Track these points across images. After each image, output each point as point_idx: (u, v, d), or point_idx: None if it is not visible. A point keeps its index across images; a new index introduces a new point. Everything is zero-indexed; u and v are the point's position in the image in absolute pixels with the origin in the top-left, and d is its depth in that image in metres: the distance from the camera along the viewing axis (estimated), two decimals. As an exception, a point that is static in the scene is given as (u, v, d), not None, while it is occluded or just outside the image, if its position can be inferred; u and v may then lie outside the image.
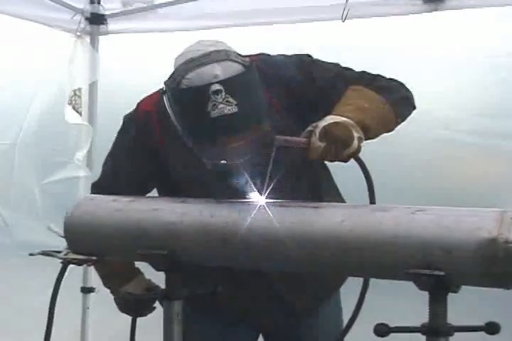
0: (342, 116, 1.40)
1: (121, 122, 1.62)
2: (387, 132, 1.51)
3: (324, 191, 1.63)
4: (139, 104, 1.61)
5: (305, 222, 1.32)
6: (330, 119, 1.39)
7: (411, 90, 1.55)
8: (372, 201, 1.41)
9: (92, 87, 2.70)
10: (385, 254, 1.24)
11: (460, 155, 2.34)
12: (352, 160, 1.39)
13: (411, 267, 1.20)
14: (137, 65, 2.66)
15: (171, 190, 1.58)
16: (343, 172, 1.62)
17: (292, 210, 1.35)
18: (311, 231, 1.30)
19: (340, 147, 1.36)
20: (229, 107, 1.35)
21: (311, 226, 1.31)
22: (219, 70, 1.37)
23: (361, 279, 1.42)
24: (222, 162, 1.45)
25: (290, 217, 1.33)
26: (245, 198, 1.41)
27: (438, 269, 1.18)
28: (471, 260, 1.16)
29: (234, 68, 1.38)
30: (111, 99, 2.68)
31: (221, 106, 1.35)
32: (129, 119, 1.61)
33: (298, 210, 1.35)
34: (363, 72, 1.56)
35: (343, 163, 1.40)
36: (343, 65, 1.59)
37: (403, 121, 1.53)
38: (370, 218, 1.28)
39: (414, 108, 1.56)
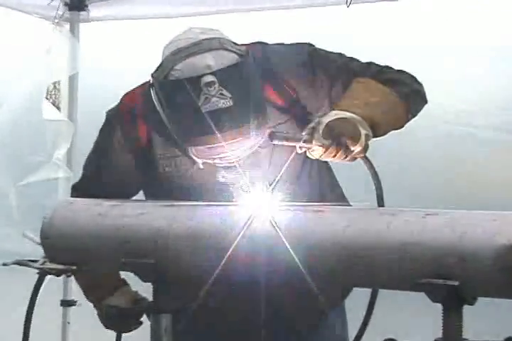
0: (347, 111, 1.40)
1: (103, 118, 1.62)
2: (396, 129, 1.52)
3: (327, 193, 1.63)
4: (123, 99, 1.61)
5: (306, 227, 1.33)
6: (334, 115, 1.39)
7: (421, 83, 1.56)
8: (380, 204, 1.42)
9: (72, 79, 2.70)
10: (394, 263, 1.24)
11: (476, 151, 2.34)
12: (357, 159, 1.40)
13: (422, 277, 1.21)
14: (122, 55, 2.66)
15: (159, 192, 1.58)
16: (347, 172, 1.64)
17: (292, 214, 1.36)
18: (313, 237, 1.31)
19: (346, 145, 1.37)
20: (223, 101, 1.36)
21: (313, 232, 1.32)
22: (211, 60, 1.37)
23: (368, 290, 1.43)
24: (216, 161, 1.45)
25: (289, 221, 1.35)
26: (241, 202, 1.41)
27: (452, 279, 1.18)
28: (488, 269, 1.16)
29: (228, 58, 1.38)
30: (93, 92, 2.67)
31: (214, 99, 1.35)
32: (112, 115, 1.61)
33: (298, 214, 1.36)
34: (371, 63, 1.57)
35: (348, 163, 1.41)
36: (348, 55, 1.59)
37: (414, 116, 1.54)
38: (377, 223, 1.28)
39: (425, 102, 1.56)
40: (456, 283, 1.18)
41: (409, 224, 1.25)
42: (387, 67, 1.56)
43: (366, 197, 1.44)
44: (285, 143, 1.37)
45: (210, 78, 1.35)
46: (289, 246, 1.31)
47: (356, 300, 1.61)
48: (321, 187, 1.63)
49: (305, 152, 1.39)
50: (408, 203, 1.38)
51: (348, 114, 1.39)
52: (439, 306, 1.22)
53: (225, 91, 1.36)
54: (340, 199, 1.67)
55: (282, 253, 1.32)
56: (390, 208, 1.34)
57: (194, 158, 1.47)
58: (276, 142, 1.36)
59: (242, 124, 1.39)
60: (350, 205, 1.67)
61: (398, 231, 1.25)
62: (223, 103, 1.36)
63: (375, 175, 1.40)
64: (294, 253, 1.31)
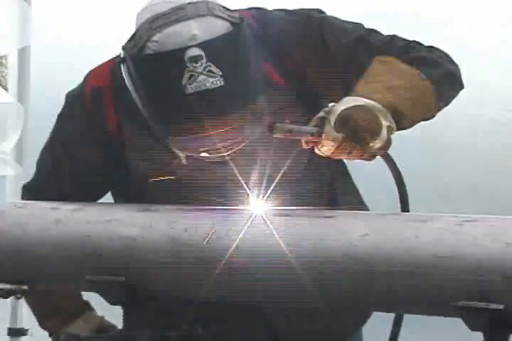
0: (365, 97, 1.40)
1: (62, 102, 1.62)
2: (425, 119, 1.52)
3: (340, 195, 1.64)
4: (86, 78, 1.60)
5: (314, 236, 1.33)
6: (349, 102, 1.39)
7: (457, 63, 1.56)
8: (405, 208, 1.42)
9: (23, 53, 2.69)
10: (423, 281, 1.25)
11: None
12: (377, 157, 1.40)
13: (458, 298, 1.22)
14: (84, 24, 2.65)
15: (132, 194, 1.58)
16: (364, 170, 1.64)
17: (297, 221, 1.37)
18: (323, 249, 1.31)
19: (364, 140, 1.37)
20: (212, 80, 1.36)
21: (322, 242, 1.32)
22: (197, 29, 1.37)
23: (391, 315, 1.44)
24: (203, 155, 1.45)
25: (294, 230, 1.35)
26: (233, 205, 1.41)
27: (495, 301, 1.19)
28: (540, 289, 1.20)
29: (218, 26, 1.38)
30: (49, 70, 2.66)
31: (201, 77, 1.35)
32: (73, 98, 1.61)
33: (305, 221, 1.36)
34: (394, 37, 1.56)
35: (365, 161, 1.41)
36: (368, 27, 1.59)
37: (447, 104, 1.54)
38: (402, 231, 1.29)
39: (461, 87, 1.56)
40: (501, 307, 1.19)
41: (442, 233, 1.26)
42: (414, 42, 1.56)
43: (388, 200, 1.44)
44: (288, 136, 1.37)
45: (195, 51, 1.35)
46: (292, 260, 1.31)
47: (376, 328, 1.62)
48: (332, 188, 1.64)
49: (312, 147, 1.40)
50: (439, 207, 1.38)
51: (366, 101, 1.39)
52: (479, 335, 1.23)
53: (214, 68, 1.36)
54: (357, 202, 1.68)
55: (284, 269, 1.33)
56: (418, 213, 1.35)
57: (175, 151, 1.47)
58: (277, 135, 1.36)
59: (236, 109, 1.39)
60: (368, 210, 1.68)
61: (428, 242, 1.25)
62: (212, 82, 1.36)
63: (398, 176, 1.41)
64: (299, 270, 1.31)
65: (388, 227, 1.31)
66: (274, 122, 1.36)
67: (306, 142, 1.38)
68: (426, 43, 1.56)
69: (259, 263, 1.34)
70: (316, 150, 1.40)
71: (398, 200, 1.44)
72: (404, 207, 1.43)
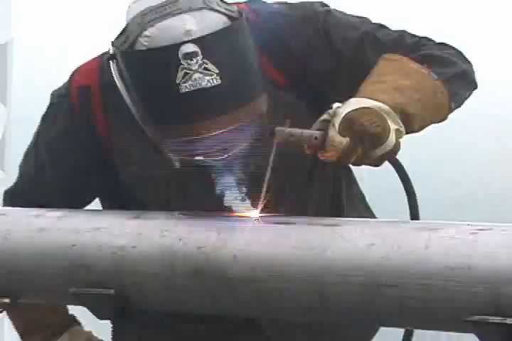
0: (372, 98, 1.40)
1: (48, 101, 1.62)
2: (437, 122, 1.51)
3: (345, 202, 1.64)
4: (73, 76, 1.60)
5: (317, 246, 1.32)
6: (355, 103, 1.39)
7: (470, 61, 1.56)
8: (415, 216, 1.42)
9: (5, 48, 2.69)
10: (434, 294, 1.24)
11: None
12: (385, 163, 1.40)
13: (472, 312, 1.21)
14: (71, 19, 2.64)
15: (121, 200, 1.58)
16: (371, 175, 1.65)
17: (298, 229, 1.36)
18: (326, 259, 1.31)
19: (371, 144, 1.36)
20: (208, 78, 1.35)
21: (325, 252, 1.31)
22: (193, 24, 1.36)
23: (400, 330, 1.43)
24: (198, 159, 1.45)
25: (295, 238, 1.35)
26: (230, 212, 1.42)
27: (512, 316, 1.21)
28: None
29: (215, 21, 1.38)
30: (33, 66, 2.66)
31: (196, 76, 1.35)
32: (59, 97, 1.61)
33: (307, 229, 1.36)
34: (404, 32, 1.56)
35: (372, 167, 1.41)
36: (374, 21, 1.59)
37: (459, 106, 1.54)
38: (412, 240, 1.29)
39: (475, 87, 1.56)
40: (519, 322, 1.20)
41: (455, 243, 1.26)
42: (425, 38, 1.56)
43: (395, 207, 1.44)
44: (290, 140, 1.37)
45: (190, 47, 1.35)
46: (293, 272, 1.31)
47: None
48: (336, 194, 1.64)
49: (315, 153, 1.39)
50: (451, 214, 1.37)
51: (373, 103, 1.39)
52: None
53: (210, 65, 1.35)
54: (363, 209, 1.68)
55: (284, 281, 1.32)
56: (429, 221, 1.34)
57: (168, 154, 1.46)
58: (278, 139, 1.36)
59: (233, 109, 1.39)
60: (375, 217, 1.68)
61: (440, 252, 1.25)
62: (208, 81, 1.35)
63: (407, 182, 1.40)
64: (301, 282, 1.31)
65: (396, 236, 1.30)
66: (274, 126, 1.37)
67: (309, 147, 1.38)
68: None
69: (258, 274, 1.34)
70: (320, 156, 1.39)
71: (407, 207, 1.44)
72: (414, 215, 1.43)
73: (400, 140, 1.39)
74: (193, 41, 1.35)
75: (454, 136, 2.34)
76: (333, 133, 1.36)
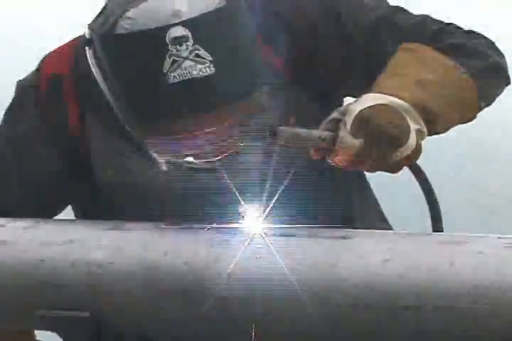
0: (390, 94, 1.40)
1: (13, 91, 1.61)
2: (463, 122, 1.51)
3: (357, 211, 1.64)
4: (42, 63, 1.60)
5: (323, 262, 1.32)
6: (370, 100, 1.39)
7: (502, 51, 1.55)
8: (437, 227, 1.42)
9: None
10: (460, 318, 1.24)
11: None
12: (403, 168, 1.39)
13: (504, 339, 1.22)
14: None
15: (97, 208, 1.58)
16: (386, 181, 1.63)
17: (302, 243, 1.36)
18: (334, 277, 1.31)
19: (388, 147, 1.36)
20: (200, 66, 1.35)
21: (333, 269, 1.31)
22: (182, 3, 1.36)
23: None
24: (188, 160, 1.44)
25: (298, 253, 1.34)
26: (225, 223, 1.40)
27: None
28: None
29: (207, 0, 1.37)
30: None
31: (187, 64, 1.35)
32: (25, 88, 1.60)
33: (311, 242, 1.36)
34: (426, 17, 1.56)
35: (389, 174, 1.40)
36: (393, 4, 1.58)
37: (490, 104, 1.53)
38: (434, 256, 1.29)
39: (508, 82, 1.55)
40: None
41: (484, 259, 1.26)
42: (451, 25, 1.55)
43: (416, 218, 1.44)
44: (295, 142, 1.36)
45: (179, 31, 1.34)
46: (297, 291, 1.30)
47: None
48: (347, 203, 1.64)
49: (324, 157, 1.39)
50: (480, 225, 1.38)
51: (390, 99, 1.38)
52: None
53: (202, 52, 1.35)
54: (378, 220, 1.67)
55: (287, 303, 1.32)
56: (453, 234, 1.34)
57: (153, 154, 1.46)
58: (281, 140, 1.36)
59: (229, 103, 1.38)
60: (391, 229, 1.67)
61: (467, 270, 1.26)
62: (200, 70, 1.35)
63: (428, 190, 1.40)
64: (307, 302, 1.30)
65: (416, 251, 1.30)
66: (277, 125, 1.36)
67: (317, 150, 1.38)
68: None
69: (256, 294, 1.33)
70: (329, 160, 1.39)
71: (428, 217, 1.44)
72: (436, 225, 1.42)
73: (422, 142, 1.38)
74: (183, 24, 1.34)
75: (483, 135, 2.34)
76: (345, 134, 1.36)
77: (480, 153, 2.36)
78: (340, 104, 1.60)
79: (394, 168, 1.38)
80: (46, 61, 1.59)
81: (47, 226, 1.49)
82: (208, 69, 1.35)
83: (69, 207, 1.66)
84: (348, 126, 1.36)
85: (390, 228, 1.67)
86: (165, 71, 1.34)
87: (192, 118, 1.36)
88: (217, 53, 1.35)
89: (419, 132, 1.38)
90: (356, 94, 1.45)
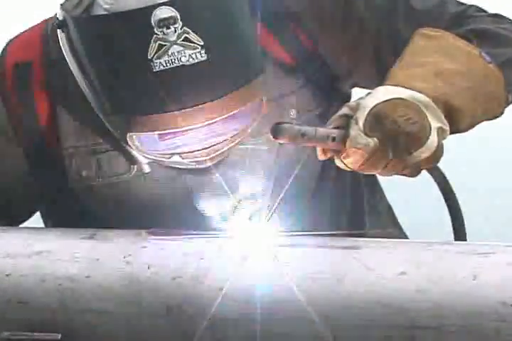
0: (407, 87, 1.40)
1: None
2: (490, 118, 1.51)
3: (368, 218, 1.64)
4: (6, 49, 1.60)
5: (331, 274, 1.32)
6: (384, 93, 1.39)
7: None
8: (459, 235, 1.43)
9: None
10: (486, 339, 1.24)
11: None
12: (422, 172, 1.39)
13: None
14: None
15: (71, 214, 1.58)
16: (402, 184, 1.64)
17: (306, 253, 1.36)
18: (342, 293, 1.30)
19: (405, 148, 1.36)
20: (190, 52, 1.35)
21: (341, 283, 1.31)
22: None
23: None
24: (174, 160, 1.44)
25: (301, 266, 1.34)
26: (217, 231, 1.41)
27: None
28: None
29: None
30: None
31: (175, 49, 1.35)
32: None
33: (317, 253, 1.36)
34: None
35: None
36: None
37: None
38: (456, 268, 1.28)
39: None
40: None
41: None
42: (474, 7, 1.56)
43: (434, 225, 1.44)
44: (300, 141, 1.36)
45: (166, 12, 1.35)
46: (299, 308, 1.30)
47: None
48: (357, 209, 1.64)
49: (332, 158, 1.39)
50: (506, 233, 1.38)
51: (408, 93, 1.38)
52: None
53: (192, 36, 1.35)
54: (391, 227, 1.68)
55: (288, 321, 1.32)
56: (478, 243, 1.34)
57: (135, 153, 1.46)
58: (283, 140, 1.35)
59: (222, 94, 1.38)
60: (407, 237, 1.68)
61: (493, 284, 1.25)
62: (190, 56, 1.35)
63: (450, 197, 1.41)
64: (308, 321, 1.29)
65: (435, 262, 1.30)
66: (279, 122, 1.35)
67: (324, 150, 1.37)
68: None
69: (252, 314, 1.33)
70: (338, 162, 1.39)
71: (450, 225, 1.45)
72: (458, 234, 1.43)
73: (444, 141, 1.38)
74: (170, 3, 1.34)
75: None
76: (356, 133, 1.35)
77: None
78: (348, 96, 1.60)
79: (412, 172, 1.38)
80: (10, 48, 1.59)
81: (13, 236, 1.49)
82: (198, 56, 1.35)
83: (37, 215, 1.66)
84: (361, 124, 1.36)
85: (404, 236, 1.69)
86: (150, 57, 1.35)
87: (180, 111, 1.36)
88: (209, 37, 1.35)
89: (440, 130, 1.38)
90: (365, 84, 1.45)
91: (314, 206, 1.55)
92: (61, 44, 1.42)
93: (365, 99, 1.38)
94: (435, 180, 1.42)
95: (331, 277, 1.31)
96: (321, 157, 1.39)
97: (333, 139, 1.37)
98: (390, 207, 1.73)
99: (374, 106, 1.36)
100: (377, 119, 1.35)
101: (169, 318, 1.35)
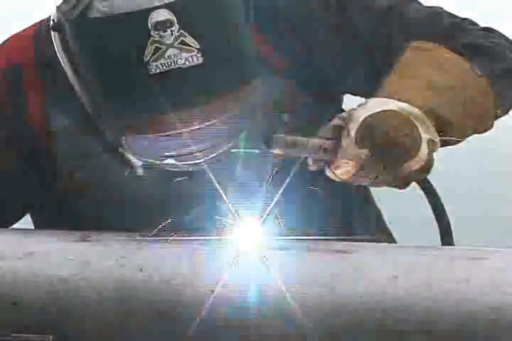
0: (399, 99, 1.40)
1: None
2: (479, 132, 1.51)
3: (359, 222, 1.65)
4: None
5: (323, 278, 1.31)
6: (376, 105, 1.39)
7: None
8: (447, 240, 1.43)
9: None
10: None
11: None
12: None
13: None
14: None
15: (62, 216, 1.58)
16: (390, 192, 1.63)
17: (298, 257, 1.36)
18: (334, 297, 1.30)
19: (396, 159, 1.36)
20: (186, 55, 1.35)
21: (333, 287, 1.30)
22: None
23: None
24: (168, 162, 1.44)
25: (293, 269, 1.34)
26: (210, 235, 1.40)
27: None
28: None
29: None
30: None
31: (171, 52, 1.35)
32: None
33: (308, 257, 1.36)
34: (440, 10, 1.57)
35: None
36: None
37: (507, 112, 1.54)
38: (446, 273, 1.28)
39: None
40: None
41: (504, 276, 1.26)
42: (467, 21, 1.56)
43: (424, 230, 1.44)
44: (291, 151, 1.37)
45: (163, 15, 1.35)
46: (293, 312, 1.29)
47: None
48: (350, 212, 1.65)
49: (323, 169, 1.39)
50: (498, 238, 1.39)
51: (399, 105, 1.39)
52: None
53: (189, 39, 1.35)
54: (382, 232, 1.68)
55: (281, 325, 1.31)
56: (469, 247, 1.34)
57: (129, 156, 1.46)
58: (277, 151, 1.37)
59: (218, 97, 1.38)
60: (396, 242, 1.68)
61: (484, 289, 1.25)
62: (186, 59, 1.35)
63: (440, 212, 1.42)
64: (302, 325, 1.29)
65: (427, 267, 1.29)
66: (271, 132, 1.36)
67: (315, 161, 1.38)
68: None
69: (244, 318, 1.33)
70: (329, 173, 1.39)
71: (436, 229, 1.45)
72: (446, 239, 1.43)
73: (434, 153, 1.39)
74: (167, 6, 1.34)
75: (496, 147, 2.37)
76: (348, 144, 1.36)
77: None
78: (340, 103, 1.60)
79: (402, 184, 1.39)
80: (2, 49, 1.59)
81: (3, 238, 1.48)
82: (195, 59, 1.35)
83: (27, 217, 1.66)
84: (353, 135, 1.36)
85: (393, 241, 1.69)
86: (146, 60, 1.34)
87: (175, 113, 1.36)
88: (205, 40, 1.35)
89: (431, 142, 1.38)
90: (356, 90, 1.45)
91: (305, 210, 1.55)
92: (55, 46, 1.42)
93: (357, 110, 1.39)
94: (424, 193, 1.42)
95: (323, 281, 1.30)
96: (312, 167, 1.39)
97: (325, 150, 1.37)
98: (379, 213, 1.73)
99: (366, 118, 1.37)
100: (369, 131, 1.36)
101: (161, 321, 1.35)
